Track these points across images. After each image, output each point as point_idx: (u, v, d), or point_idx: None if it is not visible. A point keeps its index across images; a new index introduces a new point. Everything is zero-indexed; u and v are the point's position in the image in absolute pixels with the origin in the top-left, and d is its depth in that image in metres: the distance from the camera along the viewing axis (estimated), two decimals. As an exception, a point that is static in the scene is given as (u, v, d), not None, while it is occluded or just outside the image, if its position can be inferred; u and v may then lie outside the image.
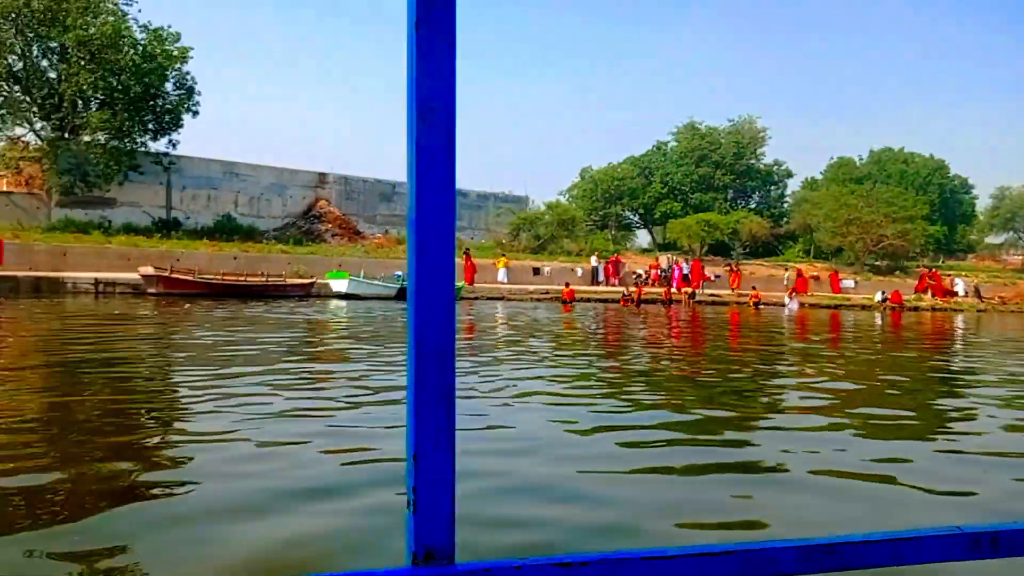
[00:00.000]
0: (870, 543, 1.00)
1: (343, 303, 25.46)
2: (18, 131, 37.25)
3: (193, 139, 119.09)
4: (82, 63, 35.05)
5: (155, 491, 4.61)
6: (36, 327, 14.66)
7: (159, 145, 39.59)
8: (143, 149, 38.62)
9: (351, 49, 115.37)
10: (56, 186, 36.34)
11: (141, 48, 37.73)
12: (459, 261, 32.54)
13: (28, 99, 36.52)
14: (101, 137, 36.62)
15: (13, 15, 33.83)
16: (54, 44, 35.67)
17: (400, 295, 28.20)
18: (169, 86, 39.39)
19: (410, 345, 0.88)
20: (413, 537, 0.86)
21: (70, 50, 35.25)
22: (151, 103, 38.48)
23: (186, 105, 40.05)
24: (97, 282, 23.20)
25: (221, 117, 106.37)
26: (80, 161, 36.21)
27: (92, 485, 4.73)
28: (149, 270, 23.57)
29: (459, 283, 30.48)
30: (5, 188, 36.33)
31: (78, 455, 5.38)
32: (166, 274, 23.63)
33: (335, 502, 4.49)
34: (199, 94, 40.58)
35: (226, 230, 40.68)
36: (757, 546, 0.98)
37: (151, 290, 23.21)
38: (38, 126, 37.24)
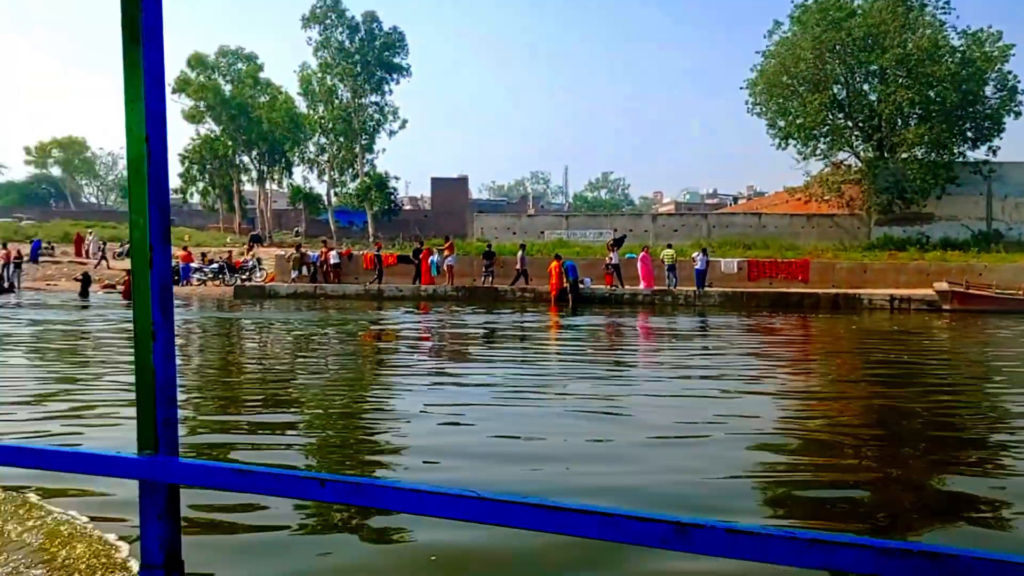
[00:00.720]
0: None
1: None
2: (840, 156, 40.63)
3: (1017, 143, 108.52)
4: (899, 81, 36.14)
5: (981, 510, 4.62)
6: (846, 341, 16.35)
7: (978, 154, 37.86)
8: (960, 160, 37.50)
9: None
10: (875, 205, 38.29)
11: (959, 55, 36.81)
12: None
13: (850, 124, 39.49)
14: (918, 152, 37.00)
15: (837, 46, 37.02)
16: (873, 67, 37.56)
17: None
18: (988, 90, 37.28)
19: None
20: None
21: (888, 70, 36.71)
22: (969, 110, 37.09)
23: (1008, 107, 37.27)
24: (892, 298, 23.80)
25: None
26: (897, 179, 37.28)
27: (912, 495, 4.96)
28: (943, 285, 23.07)
29: None
30: (828, 211, 39.98)
31: (900, 466, 5.70)
32: (960, 289, 22.73)
33: None
34: (1023, 92, 37.26)
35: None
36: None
37: (945, 306, 22.65)
38: (858, 148, 39.84)
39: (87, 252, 32.03)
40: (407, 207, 60.58)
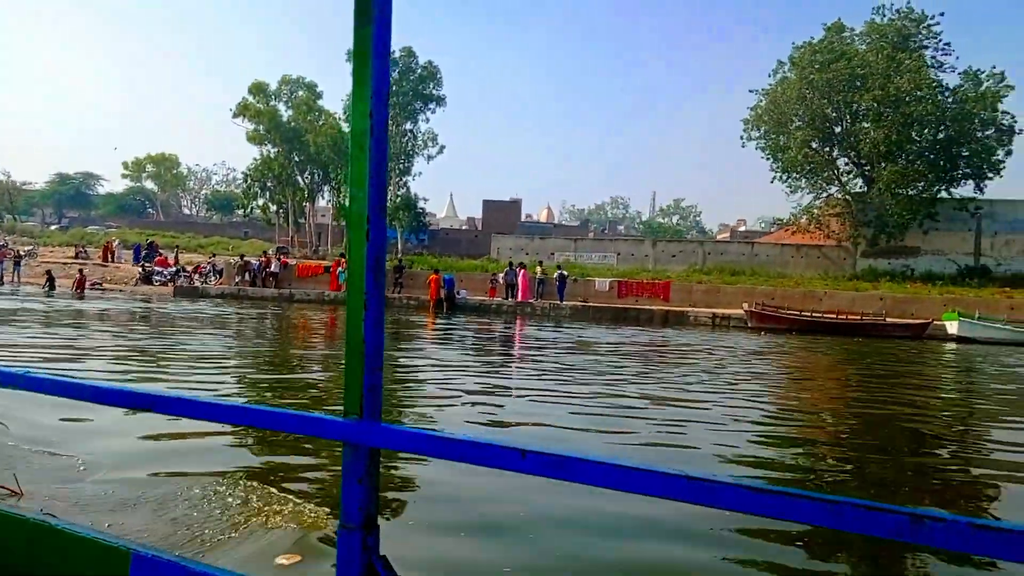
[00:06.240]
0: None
1: (953, 346, 26.44)
2: (832, 189, 46.54)
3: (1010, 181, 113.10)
4: (879, 120, 42.00)
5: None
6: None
7: (965, 191, 42.69)
8: (946, 196, 42.41)
9: None
10: (859, 238, 43.99)
11: (949, 94, 41.97)
12: None
13: (838, 159, 45.61)
14: (897, 188, 42.34)
15: (824, 86, 43.25)
16: (856, 107, 43.49)
17: (1038, 340, 26.54)
18: (980, 129, 42.00)
19: None
20: None
21: (869, 110, 42.69)
22: (958, 149, 41.93)
23: (999, 146, 41.85)
24: (714, 316, 30.97)
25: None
26: (879, 213, 42.86)
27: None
28: (746, 306, 30.07)
29: None
30: (816, 242, 45.90)
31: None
32: (757, 310, 29.63)
33: None
34: (1019, 132, 41.79)
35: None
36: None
37: (749, 324, 29.62)
38: (847, 183, 45.71)
39: (113, 256, 44.58)
40: (464, 227, 70.69)
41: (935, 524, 1.08)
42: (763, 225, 77.65)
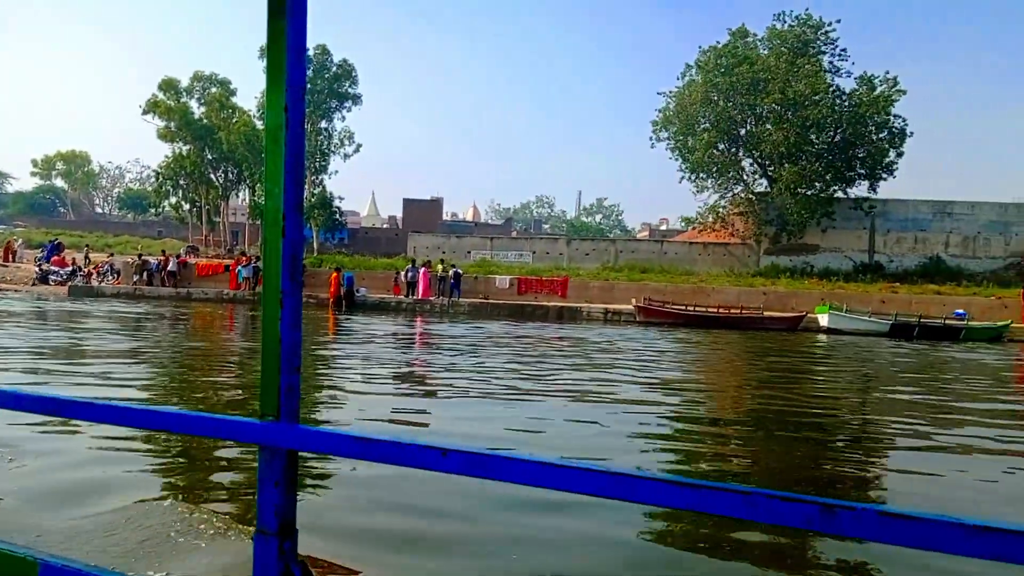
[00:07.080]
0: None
1: (824, 337, 28.42)
2: (737, 189, 48.74)
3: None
4: (779, 122, 44.15)
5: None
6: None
7: (860, 191, 45.18)
8: (843, 196, 44.85)
9: None
10: (761, 236, 46.17)
11: (845, 98, 44.36)
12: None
13: (743, 160, 47.73)
14: (797, 188, 44.54)
15: (727, 89, 45.26)
16: (758, 110, 45.67)
17: (895, 332, 28.56)
18: (874, 132, 44.46)
19: None
20: None
21: (769, 113, 44.88)
22: (849, 151, 44.36)
23: (891, 147, 44.36)
24: (606, 311, 32.62)
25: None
26: (780, 212, 45.07)
27: (793, 474, 7.07)
28: (634, 301, 31.81)
29: (1005, 322, 28.85)
30: (722, 240, 48.03)
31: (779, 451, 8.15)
32: (643, 305, 31.38)
33: None
34: (910, 135, 44.45)
35: (928, 272, 43.07)
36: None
37: (638, 318, 31.32)
38: (751, 183, 47.91)
39: (14, 256, 44.88)
40: (385, 225, 71.74)
41: (845, 513, 1.12)
42: (683, 224, 79.98)
